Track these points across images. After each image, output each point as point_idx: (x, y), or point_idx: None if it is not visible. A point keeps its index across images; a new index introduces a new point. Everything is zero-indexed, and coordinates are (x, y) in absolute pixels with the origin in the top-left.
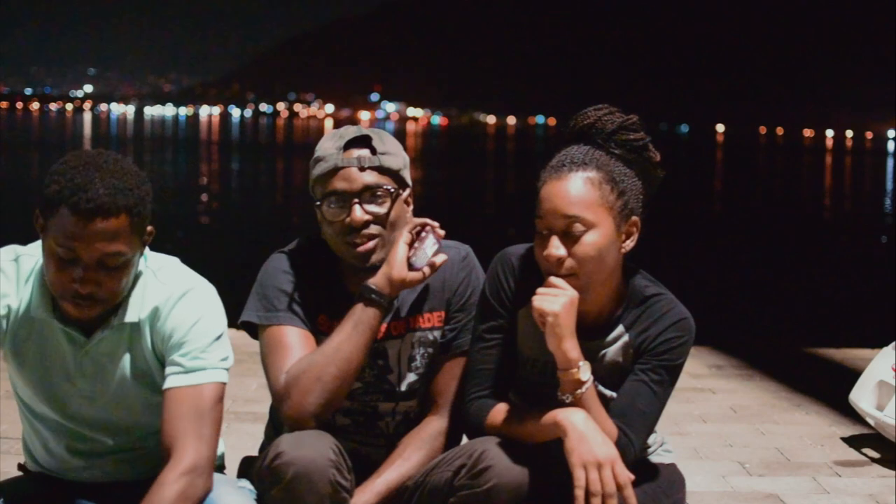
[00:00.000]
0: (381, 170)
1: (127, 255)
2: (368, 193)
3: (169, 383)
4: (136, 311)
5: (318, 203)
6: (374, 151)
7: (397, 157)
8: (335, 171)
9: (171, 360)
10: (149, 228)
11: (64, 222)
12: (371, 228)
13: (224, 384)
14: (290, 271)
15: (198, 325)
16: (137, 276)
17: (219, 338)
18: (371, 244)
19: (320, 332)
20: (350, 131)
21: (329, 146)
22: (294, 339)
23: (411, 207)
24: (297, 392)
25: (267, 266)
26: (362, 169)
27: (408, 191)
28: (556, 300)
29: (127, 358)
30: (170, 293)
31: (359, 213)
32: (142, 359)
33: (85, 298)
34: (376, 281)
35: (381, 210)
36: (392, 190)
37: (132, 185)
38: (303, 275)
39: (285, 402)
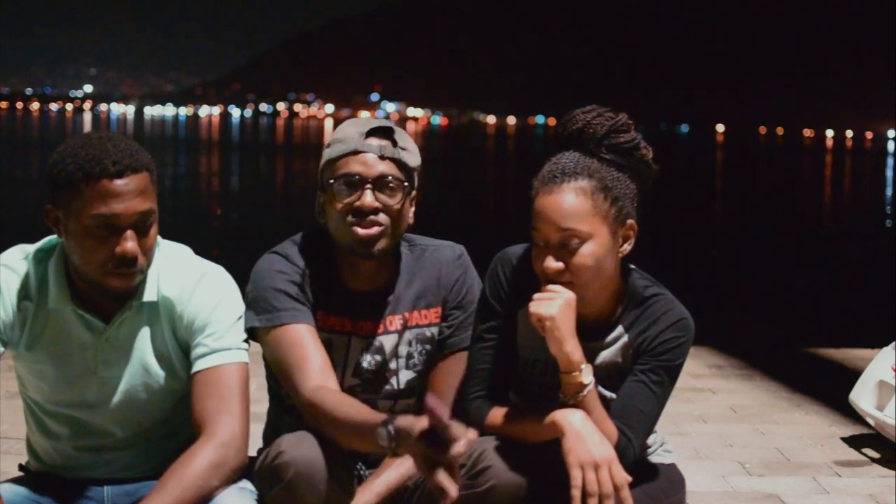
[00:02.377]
0: (399, 163)
1: (156, 213)
2: (382, 182)
3: (197, 366)
4: (152, 290)
5: (331, 181)
6: (394, 144)
7: (414, 156)
8: (354, 153)
9: (196, 344)
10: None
11: (96, 191)
12: (378, 216)
13: (248, 364)
14: (284, 269)
15: (219, 306)
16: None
17: (239, 318)
18: (375, 230)
19: (319, 329)
20: (373, 121)
21: (351, 131)
22: (306, 338)
23: (413, 209)
24: (315, 419)
25: (258, 267)
26: (382, 158)
27: (414, 192)
28: (552, 303)
29: (147, 340)
30: (186, 277)
31: (370, 198)
32: (161, 341)
33: (129, 264)
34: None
35: (392, 201)
36: (406, 184)
37: (138, 147)
38: (297, 272)
39: (308, 416)
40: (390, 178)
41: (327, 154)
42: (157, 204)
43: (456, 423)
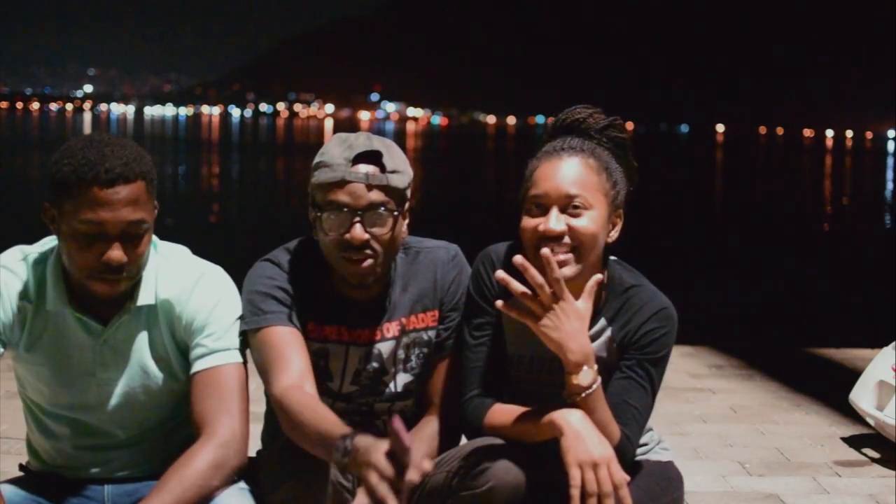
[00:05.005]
0: (388, 189)
1: (148, 222)
2: (372, 212)
3: (196, 367)
4: (150, 293)
5: (319, 213)
6: (383, 169)
7: (404, 176)
8: (342, 183)
9: (195, 344)
10: (154, 202)
11: (86, 197)
12: (370, 246)
13: (245, 364)
14: (275, 277)
15: (218, 307)
16: (149, 259)
17: (237, 319)
18: (367, 264)
19: (310, 339)
20: (360, 142)
21: (337, 154)
22: (285, 339)
23: (407, 221)
24: (284, 425)
25: (251, 274)
26: (370, 187)
27: (407, 204)
28: (561, 325)
29: (145, 342)
30: (185, 278)
31: (359, 231)
32: (160, 343)
33: (115, 272)
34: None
35: (383, 231)
36: (396, 212)
37: (139, 154)
38: (290, 280)
39: (279, 418)
40: (380, 207)
41: (315, 177)
42: (152, 212)
43: (415, 450)
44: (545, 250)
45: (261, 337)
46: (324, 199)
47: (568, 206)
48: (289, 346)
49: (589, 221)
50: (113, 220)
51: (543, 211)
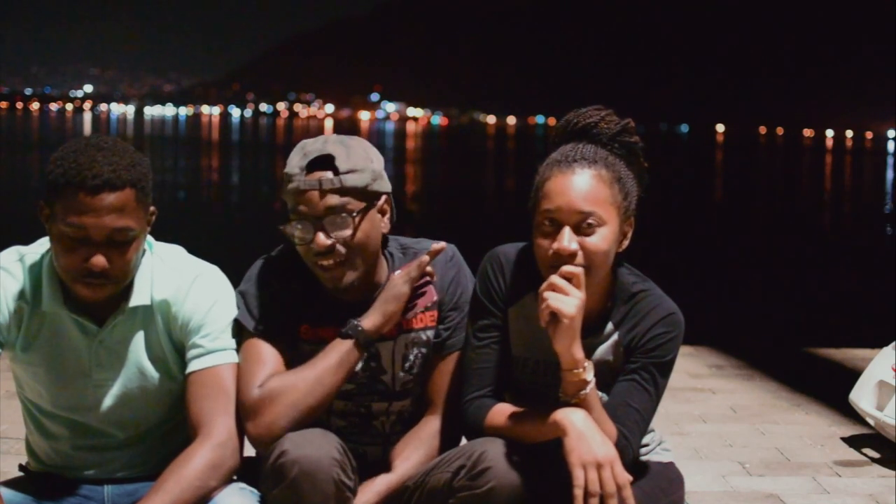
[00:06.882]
0: (343, 191)
1: (135, 230)
2: (331, 217)
3: (192, 367)
4: (145, 293)
5: (285, 225)
6: (336, 171)
7: (363, 174)
8: (299, 193)
9: (191, 344)
10: (151, 209)
11: (72, 201)
12: (336, 251)
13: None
14: (273, 280)
15: (214, 307)
16: (143, 260)
17: (233, 319)
18: (339, 270)
19: (303, 342)
20: (314, 147)
21: (295, 163)
22: (267, 354)
23: (388, 215)
24: (270, 413)
25: (251, 272)
26: (323, 193)
27: (382, 199)
28: (570, 301)
29: (141, 343)
30: (181, 278)
31: (321, 238)
32: (156, 343)
33: (97, 277)
34: (368, 325)
35: (345, 233)
36: (356, 212)
37: (133, 161)
38: (286, 282)
39: (254, 419)
40: (339, 212)
41: (283, 187)
42: (142, 220)
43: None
44: (548, 290)
45: (247, 343)
46: (291, 209)
47: (581, 223)
48: (270, 360)
49: (601, 240)
50: (97, 226)
51: (556, 227)
